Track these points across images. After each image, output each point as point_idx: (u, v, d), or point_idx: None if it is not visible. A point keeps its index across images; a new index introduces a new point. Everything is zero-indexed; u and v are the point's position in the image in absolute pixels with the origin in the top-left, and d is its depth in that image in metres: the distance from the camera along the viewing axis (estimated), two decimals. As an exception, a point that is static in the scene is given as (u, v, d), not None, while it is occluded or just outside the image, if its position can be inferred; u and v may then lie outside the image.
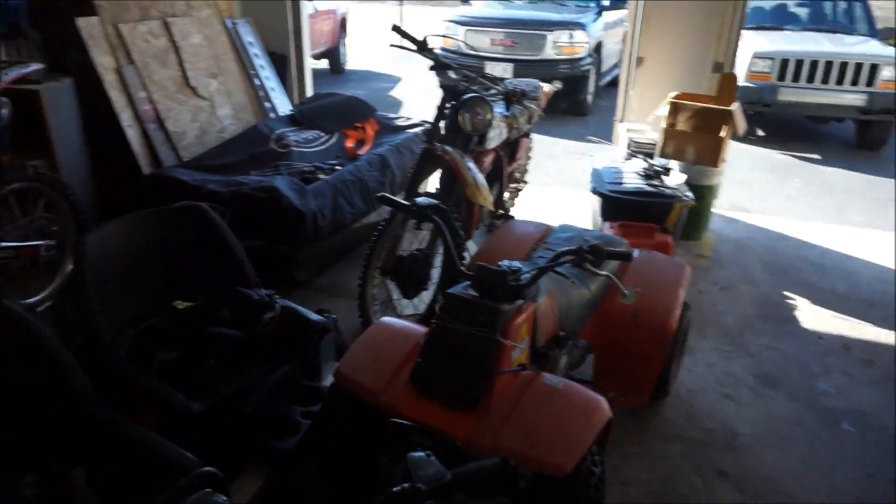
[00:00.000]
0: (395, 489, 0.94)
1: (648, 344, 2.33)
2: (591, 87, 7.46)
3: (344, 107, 4.44)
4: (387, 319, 2.04)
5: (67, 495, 1.32)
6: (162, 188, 3.18)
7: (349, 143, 4.16)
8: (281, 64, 5.18)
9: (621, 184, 3.55)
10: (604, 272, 1.94)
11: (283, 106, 4.83)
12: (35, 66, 2.93)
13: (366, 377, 1.79)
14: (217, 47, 4.51)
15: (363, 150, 4.11)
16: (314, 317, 2.00)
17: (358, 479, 1.75)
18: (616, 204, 3.44)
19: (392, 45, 2.92)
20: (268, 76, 4.92)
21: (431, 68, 2.89)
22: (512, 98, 3.28)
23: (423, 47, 2.81)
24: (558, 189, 5.09)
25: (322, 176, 3.53)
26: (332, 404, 1.87)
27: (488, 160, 3.07)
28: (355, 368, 1.83)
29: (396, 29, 2.81)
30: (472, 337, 1.70)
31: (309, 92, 5.49)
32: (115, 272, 1.89)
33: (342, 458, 1.77)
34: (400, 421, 1.66)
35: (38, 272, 2.79)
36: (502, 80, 3.47)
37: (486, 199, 2.70)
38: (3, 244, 2.51)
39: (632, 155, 4.04)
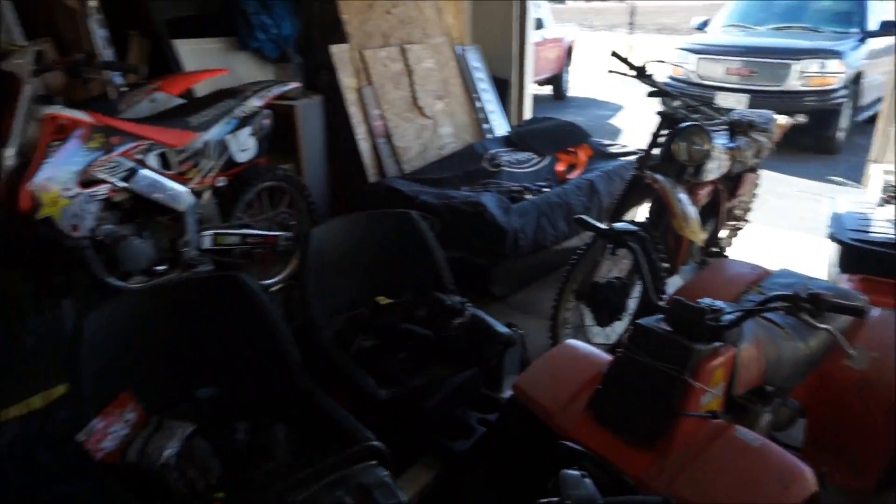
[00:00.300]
0: (541, 500, 0.92)
1: (880, 420, 1.98)
2: (845, 122, 6.58)
3: (558, 131, 4.49)
4: (573, 342, 2.00)
5: (269, 445, 1.51)
6: (383, 195, 3.50)
7: (560, 167, 4.18)
8: (503, 88, 5.39)
9: (868, 232, 3.07)
10: (825, 325, 1.70)
11: (500, 128, 5.02)
12: (294, 85, 3.41)
13: (543, 396, 1.78)
14: (446, 71, 4.84)
15: (573, 175, 4.11)
16: (501, 328, 2.05)
17: (524, 494, 1.74)
18: (858, 254, 2.98)
19: (610, 72, 2.89)
20: (489, 99, 5.16)
21: (650, 94, 2.80)
22: (737, 129, 3.04)
23: (641, 73, 2.73)
24: (786, 232, 4.57)
25: (529, 196, 3.60)
26: (508, 416, 1.88)
27: (704, 193, 2.87)
28: (534, 385, 1.82)
29: (615, 55, 2.78)
30: (658, 372, 1.60)
31: (527, 115, 5.63)
32: (332, 264, 2.13)
33: (511, 469, 1.78)
34: (572, 445, 1.62)
35: (276, 259, 3.23)
36: (729, 110, 3.23)
37: (696, 232, 2.52)
38: (253, 231, 2.95)
39: (886, 201, 3.49)
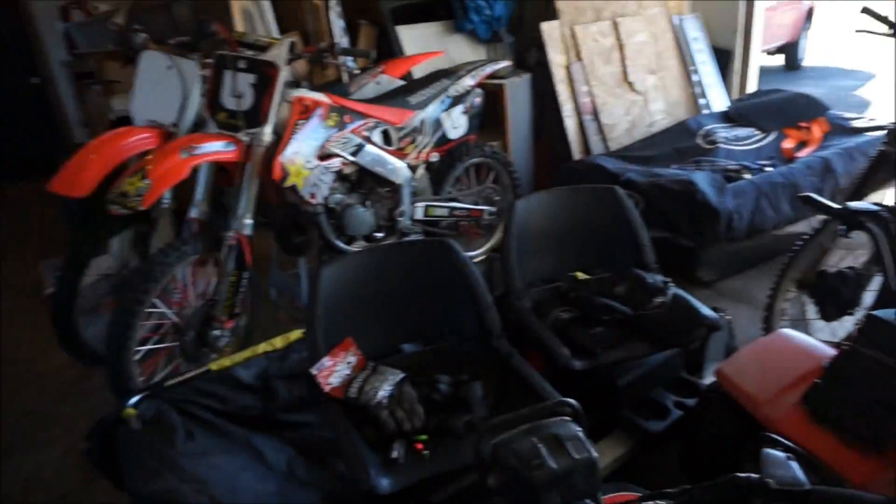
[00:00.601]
0: (738, 474, 0.89)
1: None
2: None
3: (787, 104, 4.04)
4: (789, 331, 1.84)
5: (467, 398, 1.63)
6: (586, 173, 3.47)
7: (787, 144, 3.78)
8: (724, 59, 4.97)
9: None
10: None
11: (719, 102, 4.65)
12: (505, 64, 3.51)
13: (751, 384, 1.67)
14: (660, 44, 4.60)
15: (804, 153, 3.68)
16: (706, 311, 1.95)
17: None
18: None
19: (858, 31, 2.52)
20: (708, 72, 4.79)
21: (907, 55, 2.41)
22: None
23: (900, 30, 2.35)
24: None
25: (747, 176, 3.32)
26: (708, 402, 1.80)
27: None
28: (740, 372, 1.72)
29: (868, 11, 2.42)
30: (893, 371, 1.42)
31: (752, 88, 5.14)
32: (534, 237, 2.19)
33: (707, 456, 1.71)
34: (781, 439, 1.51)
35: (480, 232, 3.39)
36: None
37: None
38: (460, 205, 3.12)
39: None
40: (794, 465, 0.92)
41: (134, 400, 1.98)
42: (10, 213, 5.55)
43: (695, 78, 4.72)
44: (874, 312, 1.53)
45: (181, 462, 1.81)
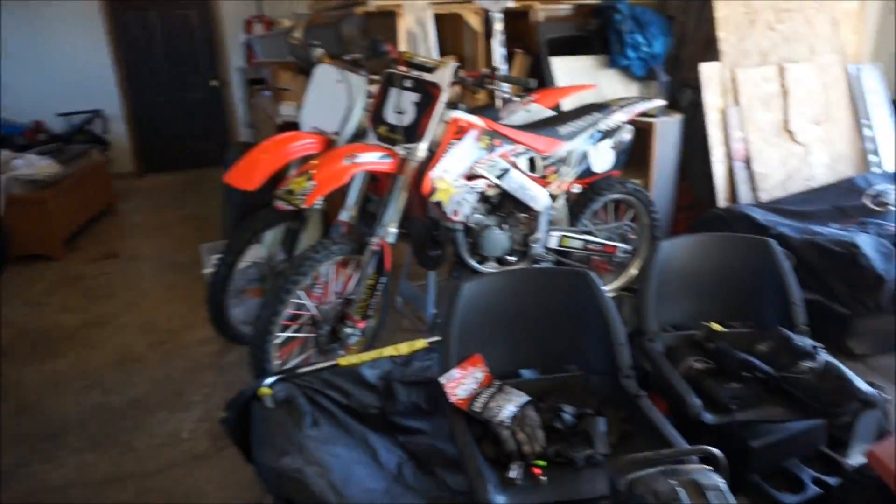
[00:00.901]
0: None
1: None
2: None
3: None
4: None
5: (589, 432, 1.61)
6: (732, 222, 3.31)
7: (976, 215, 3.38)
8: (905, 115, 4.56)
9: None
10: None
11: (890, 162, 4.27)
12: (658, 103, 3.46)
13: (909, 472, 1.52)
14: (830, 94, 4.31)
15: None
16: (863, 385, 1.79)
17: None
18: None
19: None
20: (883, 128, 4.41)
21: None
22: None
23: None
24: None
25: (920, 245, 3.00)
26: (855, 486, 1.65)
27: None
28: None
29: None
30: None
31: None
32: (674, 280, 2.13)
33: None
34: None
35: (611, 269, 3.33)
36: None
37: None
38: (595, 239, 3.09)
39: None
40: None
41: (270, 380, 2.14)
42: (177, 199, 6.20)
43: (867, 133, 4.36)
44: None
45: (307, 445, 1.93)
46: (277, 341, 2.48)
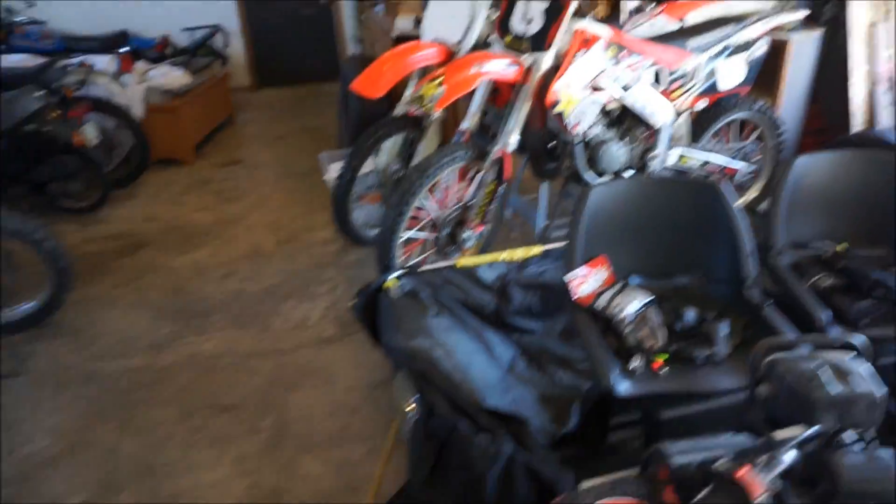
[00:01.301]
0: None
1: None
2: None
3: None
4: None
5: (710, 335, 1.67)
6: (862, 145, 3.11)
7: None
8: None
9: None
10: None
11: None
12: (798, 15, 3.22)
13: None
14: None
15: None
16: None
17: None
18: None
19: None
20: None
21: None
22: None
23: None
24: None
25: None
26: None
27: None
28: None
29: None
30: None
31: None
32: (805, 197, 2.08)
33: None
34: None
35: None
36: None
37: None
38: (716, 158, 3.02)
39: None
40: None
41: (397, 273, 2.32)
42: (291, 112, 6.48)
43: None
44: None
45: (432, 330, 2.10)
46: (401, 240, 2.64)
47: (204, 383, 2.51)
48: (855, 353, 1.02)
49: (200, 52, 6.54)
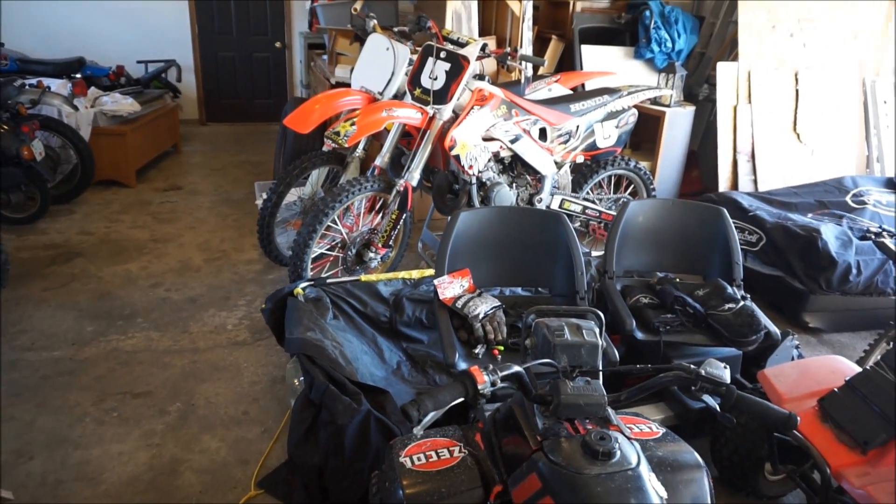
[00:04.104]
0: (682, 363, 1.28)
1: None
2: None
3: (962, 183, 3.91)
4: (841, 358, 2.08)
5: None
6: (720, 204, 3.69)
7: (948, 222, 3.69)
8: (916, 130, 4.81)
9: None
10: None
11: (892, 170, 4.55)
12: (665, 92, 3.88)
13: (783, 385, 1.96)
14: (842, 101, 4.60)
15: (963, 234, 3.59)
16: (769, 325, 2.22)
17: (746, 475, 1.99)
18: None
19: None
20: (890, 138, 4.69)
21: None
22: None
23: None
24: None
25: (886, 240, 3.34)
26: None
27: None
28: (778, 375, 2.01)
29: None
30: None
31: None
32: (638, 234, 2.57)
33: (731, 446, 2.03)
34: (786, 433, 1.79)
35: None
36: None
37: None
38: (593, 206, 3.53)
39: None
40: (727, 371, 1.28)
41: (304, 283, 2.68)
42: (235, 146, 6.83)
43: (874, 141, 4.65)
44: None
45: (328, 328, 2.46)
46: (313, 255, 3.01)
47: (121, 374, 2.77)
48: (594, 320, 1.44)
49: (154, 84, 6.87)
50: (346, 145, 2.85)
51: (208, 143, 6.92)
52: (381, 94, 3.34)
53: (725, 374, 1.27)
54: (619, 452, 1.16)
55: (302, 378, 2.13)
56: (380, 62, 3.42)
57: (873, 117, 4.66)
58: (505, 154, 3.27)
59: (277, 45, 7.80)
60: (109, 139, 5.09)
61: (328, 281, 2.78)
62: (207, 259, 3.96)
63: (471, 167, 3.10)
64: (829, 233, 3.16)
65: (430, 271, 2.96)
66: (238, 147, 6.78)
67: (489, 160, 3.18)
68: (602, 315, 1.48)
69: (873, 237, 3.42)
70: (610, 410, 1.32)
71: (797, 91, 4.47)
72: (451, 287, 2.24)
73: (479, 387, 1.18)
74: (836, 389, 1.80)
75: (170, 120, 6.25)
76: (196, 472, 2.24)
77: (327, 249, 3.14)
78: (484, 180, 3.24)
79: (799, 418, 1.21)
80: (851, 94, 4.64)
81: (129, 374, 2.77)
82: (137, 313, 3.27)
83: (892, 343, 2.32)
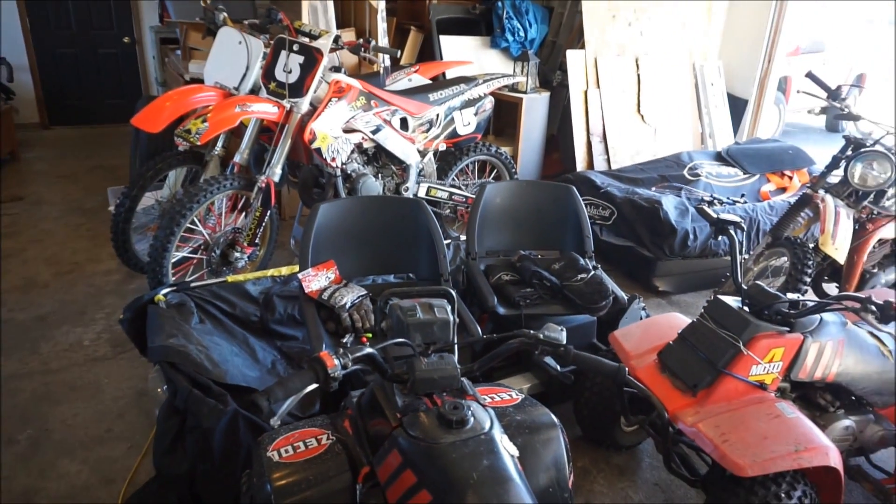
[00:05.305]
0: (525, 330, 1.39)
1: None
2: None
3: (776, 153, 4.44)
4: (678, 315, 2.31)
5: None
6: (577, 183, 3.93)
7: (767, 188, 4.18)
8: (741, 107, 5.39)
9: None
10: (888, 330, 1.79)
11: (722, 144, 5.07)
12: (518, 79, 4.08)
13: (629, 343, 2.14)
14: (677, 85, 5.05)
15: (779, 198, 4.09)
16: (617, 290, 2.43)
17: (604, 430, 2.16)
18: None
19: (799, 91, 2.95)
20: (719, 116, 5.21)
21: (836, 117, 2.83)
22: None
23: (834, 96, 2.78)
24: None
25: (715, 206, 3.74)
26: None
27: (887, 227, 2.80)
28: (626, 335, 2.20)
29: (810, 76, 2.85)
30: (717, 337, 1.88)
31: (762, 136, 5.53)
32: (497, 215, 2.70)
33: (591, 405, 2.21)
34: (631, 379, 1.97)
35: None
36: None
37: (837, 251, 2.55)
38: (458, 192, 3.65)
39: None
40: (563, 333, 1.40)
41: (165, 290, 2.56)
42: (85, 151, 6.32)
43: (706, 119, 5.15)
44: (719, 296, 1.98)
45: (193, 333, 2.37)
46: (173, 260, 2.88)
47: (-43, 406, 2.51)
48: (447, 299, 1.51)
49: (-21, 85, 6.20)
50: (199, 143, 2.74)
51: (53, 149, 6.36)
52: (236, 89, 3.23)
53: (562, 336, 1.38)
54: (472, 420, 1.24)
55: (165, 387, 2.05)
56: (233, 56, 3.31)
57: (704, 98, 5.15)
58: (368, 145, 3.29)
59: (126, 39, 7.29)
60: (-72, 149, 4.55)
61: (192, 285, 2.68)
62: (57, 273, 3.66)
63: (333, 160, 3.09)
64: (669, 203, 3.48)
65: (297, 268, 2.93)
66: (88, 151, 6.28)
67: (352, 152, 3.19)
68: (454, 293, 1.55)
69: (704, 206, 3.82)
70: (466, 382, 1.39)
71: (639, 76, 4.85)
72: (317, 280, 2.24)
73: (330, 370, 1.20)
74: (671, 342, 2.00)
75: (2, 124, 5.67)
76: (53, 499, 2.09)
77: (190, 252, 3.02)
78: (349, 172, 3.24)
79: (627, 369, 1.34)
80: (684, 78, 5.10)
81: (-33, 405, 2.52)
82: (-25, 338, 2.97)
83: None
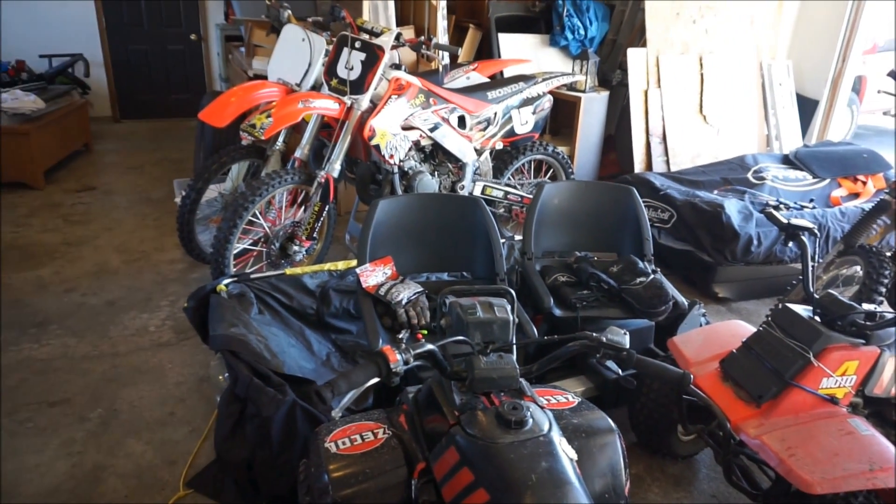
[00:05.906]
0: (586, 332, 1.36)
1: None
2: None
3: (849, 156, 4.24)
4: (741, 322, 2.23)
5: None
6: (636, 184, 3.86)
7: (838, 193, 4.00)
8: (811, 108, 5.17)
9: None
10: None
11: (789, 147, 4.87)
12: (577, 78, 4.01)
13: (690, 350, 2.09)
14: (743, 84, 4.88)
15: (851, 203, 3.90)
16: (677, 295, 2.36)
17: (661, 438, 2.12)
18: None
19: (880, 91, 2.81)
20: (787, 117, 5.02)
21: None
22: None
23: (917, 96, 2.63)
24: None
25: (783, 211, 3.60)
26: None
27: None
28: (686, 342, 2.14)
29: (893, 75, 2.71)
30: (785, 346, 1.81)
31: (832, 139, 5.29)
32: (555, 215, 2.67)
33: (646, 411, 2.16)
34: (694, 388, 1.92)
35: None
36: None
37: None
38: (514, 191, 3.63)
39: None
40: (626, 337, 1.37)
41: (226, 280, 2.64)
42: (153, 144, 6.58)
43: (772, 121, 4.96)
44: (788, 304, 1.91)
45: (252, 323, 2.43)
46: (236, 251, 2.96)
47: (34, 383, 2.65)
48: (506, 299, 1.50)
49: (59, 79, 6.52)
50: (263, 138, 2.81)
51: (123, 141, 6.63)
52: (298, 85, 3.30)
53: (625, 340, 1.35)
54: (531, 421, 1.23)
55: (227, 374, 2.11)
56: (296, 53, 3.38)
57: (770, 98, 4.97)
58: (425, 143, 3.30)
59: (193, 37, 7.54)
60: (12, 139, 4.81)
61: (252, 276, 2.75)
62: (126, 261, 3.82)
63: (391, 157, 3.12)
64: (732, 207, 3.37)
65: (356, 262, 2.97)
66: (155, 144, 6.53)
67: (410, 149, 3.21)
68: (514, 293, 1.55)
69: (772, 210, 3.68)
70: (524, 382, 1.38)
71: (702, 75, 4.71)
72: (374, 275, 2.27)
73: (392, 365, 1.21)
74: (734, 350, 1.94)
75: (79, 117, 5.95)
76: (120, 476, 2.19)
77: (250, 244, 3.10)
78: (406, 169, 3.27)
79: (692, 377, 1.30)
80: (750, 77, 4.93)
81: (44, 382, 2.66)
82: (51, 320, 3.13)
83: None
